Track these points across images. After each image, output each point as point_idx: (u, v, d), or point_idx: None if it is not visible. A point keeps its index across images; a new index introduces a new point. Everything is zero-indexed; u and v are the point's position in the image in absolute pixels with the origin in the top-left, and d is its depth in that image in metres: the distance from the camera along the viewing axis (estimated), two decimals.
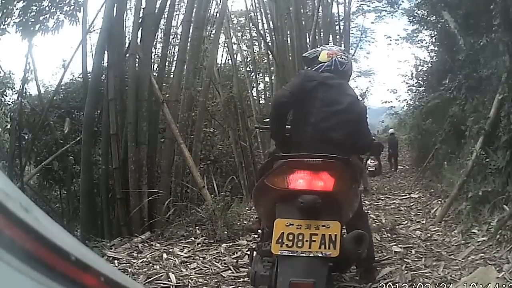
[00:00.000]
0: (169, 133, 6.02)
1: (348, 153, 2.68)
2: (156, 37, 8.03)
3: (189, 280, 3.53)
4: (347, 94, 2.97)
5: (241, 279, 3.53)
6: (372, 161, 13.48)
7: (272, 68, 12.05)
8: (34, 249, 0.47)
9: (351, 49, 16.53)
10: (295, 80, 2.98)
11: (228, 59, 14.07)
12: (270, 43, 10.97)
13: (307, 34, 10.68)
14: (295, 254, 2.25)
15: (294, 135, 2.84)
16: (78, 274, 0.52)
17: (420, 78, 14.09)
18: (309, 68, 3.18)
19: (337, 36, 13.92)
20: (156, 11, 6.33)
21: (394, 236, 5.07)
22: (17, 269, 0.45)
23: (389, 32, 37.31)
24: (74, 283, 0.51)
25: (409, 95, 16.16)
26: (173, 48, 11.45)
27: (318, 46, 3.53)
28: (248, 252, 3.25)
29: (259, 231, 3.29)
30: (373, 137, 3.51)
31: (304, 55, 3.45)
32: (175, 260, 4.02)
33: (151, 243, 4.69)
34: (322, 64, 3.06)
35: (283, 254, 2.26)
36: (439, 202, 7.20)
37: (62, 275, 0.49)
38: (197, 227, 5.11)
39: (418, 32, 15.87)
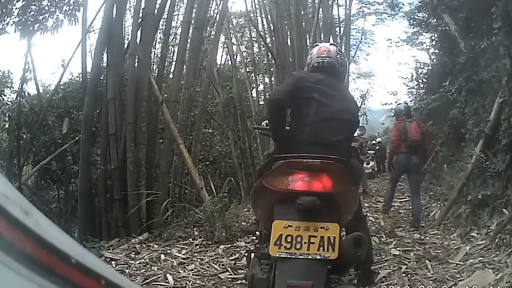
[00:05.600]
0: (168, 133, 6.01)
1: (344, 155, 2.66)
2: (155, 38, 8.02)
3: (187, 282, 3.53)
4: (343, 95, 2.96)
5: (239, 281, 3.53)
6: (369, 164, 13.51)
7: (272, 69, 12.04)
8: (34, 251, 0.46)
9: (351, 50, 16.51)
10: (288, 81, 2.93)
11: (228, 60, 14.08)
12: (270, 44, 10.97)
13: (307, 35, 10.67)
14: (293, 256, 2.22)
15: (292, 136, 2.82)
16: (78, 276, 0.51)
17: (420, 81, 14.09)
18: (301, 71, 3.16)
19: (338, 38, 13.91)
20: (156, 11, 6.33)
21: (393, 239, 5.06)
22: (17, 271, 0.44)
23: (390, 34, 37.45)
24: (74, 285, 0.50)
25: (409, 97, 16.16)
26: (173, 49, 11.45)
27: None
28: (246, 254, 3.25)
29: (257, 233, 3.28)
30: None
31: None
32: (173, 262, 4.02)
33: (149, 244, 4.69)
34: (314, 63, 3.09)
35: (281, 256, 2.24)
36: (439, 205, 7.20)
37: (62, 278, 0.49)
38: (195, 228, 5.11)
39: (419, 35, 15.90)
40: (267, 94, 13.25)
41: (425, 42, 15.65)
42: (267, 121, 3.35)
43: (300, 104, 2.78)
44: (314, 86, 2.81)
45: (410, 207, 7.85)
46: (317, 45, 3.27)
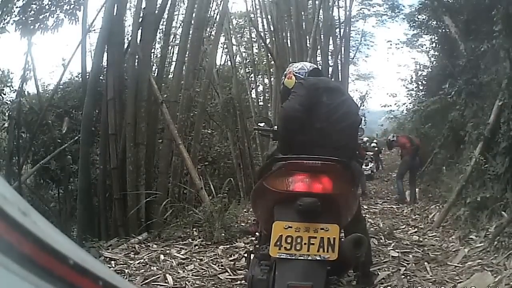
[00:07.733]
0: (167, 133, 6.01)
1: (348, 157, 2.66)
2: (155, 37, 8.01)
3: (186, 282, 3.52)
4: (346, 96, 2.97)
5: (238, 282, 3.53)
6: (368, 165, 13.47)
7: (271, 70, 12.02)
8: (32, 252, 0.46)
9: (351, 52, 16.48)
10: (301, 92, 2.84)
11: (228, 60, 14.06)
12: (269, 45, 10.95)
13: (307, 37, 10.66)
14: (293, 257, 2.23)
15: (298, 138, 2.79)
16: (76, 278, 0.51)
17: (420, 83, 14.11)
18: (309, 77, 3.16)
19: (337, 40, 13.91)
20: (156, 11, 6.32)
21: (392, 240, 5.06)
22: (15, 273, 0.44)
23: (390, 36, 37.39)
24: (72, 287, 0.50)
25: (409, 99, 16.15)
26: (173, 49, 11.44)
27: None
28: (246, 255, 3.24)
29: (257, 233, 3.28)
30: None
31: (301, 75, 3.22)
32: (172, 262, 4.02)
33: (148, 244, 4.68)
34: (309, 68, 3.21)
35: (281, 257, 2.24)
36: (437, 207, 7.21)
37: (60, 279, 0.48)
38: (194, 229, 5.10)
39: (419, 37, 15.85)
40: (267, 95, 13.23)
41: (425, 44, 15.67)
42: (263, 123, 3.41)
43: (311, 109, 2.78)
44: (324, 89, 2.82)
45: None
46: (293, 64, 3.42)
